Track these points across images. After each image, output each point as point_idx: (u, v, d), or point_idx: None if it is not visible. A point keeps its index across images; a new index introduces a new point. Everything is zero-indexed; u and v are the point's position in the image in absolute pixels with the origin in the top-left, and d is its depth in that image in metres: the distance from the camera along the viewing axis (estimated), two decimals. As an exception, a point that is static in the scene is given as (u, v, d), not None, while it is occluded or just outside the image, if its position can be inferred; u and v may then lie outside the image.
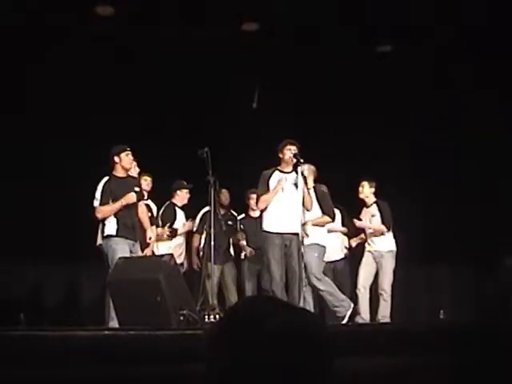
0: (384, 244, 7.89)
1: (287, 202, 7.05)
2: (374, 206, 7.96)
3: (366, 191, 7.96)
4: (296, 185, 7.07)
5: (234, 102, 9.19)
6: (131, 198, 6.84)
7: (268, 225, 7.11)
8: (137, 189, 7.10)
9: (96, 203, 6.79)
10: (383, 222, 7.87)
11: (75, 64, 8.58)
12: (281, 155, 7.19)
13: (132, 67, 8.85)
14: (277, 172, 7.20)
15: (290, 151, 7.10)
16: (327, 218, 7.36)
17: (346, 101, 9.35)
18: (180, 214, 8.40)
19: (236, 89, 9.13)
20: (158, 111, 9.03)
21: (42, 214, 8.55)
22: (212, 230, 7.09)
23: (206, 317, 6.23)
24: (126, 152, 6.93)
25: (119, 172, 6.95)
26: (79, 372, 3.70)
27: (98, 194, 6.79)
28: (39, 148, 8.63)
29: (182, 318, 5.69)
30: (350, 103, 9.39)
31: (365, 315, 7.67)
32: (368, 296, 7.78)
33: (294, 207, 6.98)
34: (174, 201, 8.41)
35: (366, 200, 7.99)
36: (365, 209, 8.04)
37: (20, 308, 7.43)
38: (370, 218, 7.94)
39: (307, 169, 7.26)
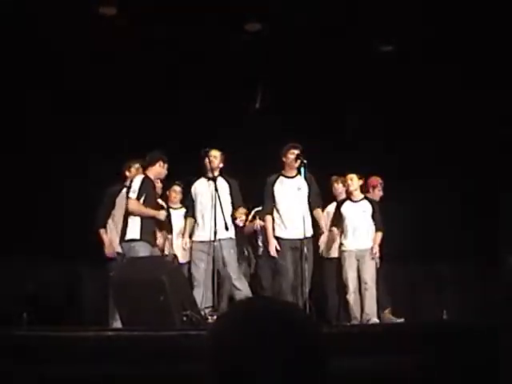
0: (365, 241, 7.67)
1: (290, 207, 7.11)
2: (366, 202, 7.78)
3: (356, 184, 7.77)
4: (299, 189, 7.10)
5: (236, 102, 9.19)
6: (162, 215, 6.95)
7: (276, 230, 7.17)
8: None
9: (134, 195, 6.79)
10: (378, 225, 7.71)
11: (75, 63, 8.60)
12: (284, 159, 7.22)
13: (133, 67, 8.85)
14: (281, 178, 7.24)
15: (293, 154, 7.12)
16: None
17: (348, 100, 9.35)
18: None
19: (239, 89, 9.14)
20: (158, 111, 9.03)
21: (43, 214, 8.56)
22: (214, 228, 7.04)
23: (210, 317, 6.23)
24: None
25: (152, 175, 7.01)
26: (82, 372, 3.71)
27: (136, 187, 6.82)
28: (40, 147, 8.63)
29: (185, 318, 5.70)
30: (352, 103, 9.39)
31: (359, 317, 7.50)
32: (359, 298, 7.60)
33: (298, 212, 7.04)
34: None
35: (355, 193, 7.77)
36: (349, 202, 7.79)
37: (23, 308, 7.42)
38: (359, 214, 7.71)
39: (219, 155, 7.25)
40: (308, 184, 7.17)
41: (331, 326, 6.80)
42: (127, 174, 7.38)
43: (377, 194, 8.17)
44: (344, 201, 7.88)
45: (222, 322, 1.33)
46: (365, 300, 7.51)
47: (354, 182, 7.79)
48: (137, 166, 7.39)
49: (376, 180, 8.21)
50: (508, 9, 8.14)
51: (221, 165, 7.29)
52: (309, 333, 1.29)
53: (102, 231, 7.32)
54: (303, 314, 1.35)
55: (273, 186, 7.20)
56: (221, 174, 7.27)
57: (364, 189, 8.03)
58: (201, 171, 7.34)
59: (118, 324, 6.46)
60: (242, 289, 6.92)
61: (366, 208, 7.74)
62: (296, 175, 7.19)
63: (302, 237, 6.97)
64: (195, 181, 7.34)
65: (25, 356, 3.89)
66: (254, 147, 8.65)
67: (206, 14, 8.40)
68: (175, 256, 7.76)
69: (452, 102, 9.14)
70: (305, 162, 7.06)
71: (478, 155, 9.05)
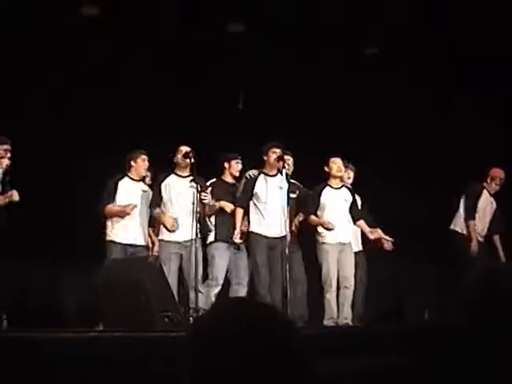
0: (346, 235, 7.32)
1: (272, 206, 7.09)
2: (346, 190, 7.43)
3: (343, 170, 7.41)
4: (281, 188, 7.08)
5: (221, 102, 9.18)
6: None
7: (255, 226, 7.13)
8: None
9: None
10: (359, 214, 7.41)
11: (72, 62, 8.57)
12: (265, 158, 7.18)
13: (122, 68, 8.82)
14: (262, 176, 7.21)
15: (275, 154, 7.10)
16: None
17: (334, 101, 9.35)
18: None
19: (223, 89, 9.13)
20: (148, 110, 8.99)
21: (31, 213, 8.49)
22: (199, 228, 6.99)
23: (191, 318, 6.20)
24: (237, 160, 7.41)
25: (228, 177, 7.42)
26: (62, 374, 3.68)
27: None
28: (30, 147, 8.57)
29: (166, 319, 5.68)
30: (339, 103, 9.39)
31: (336, 316, 7.15)
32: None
33: (278, 210, 7.02)
34: None
35: (338, 180, 7.38)
36: (329, 189, 7.36)
37: (2, 308, 7.34)
38: (341, 202, 7.35)
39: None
40: (289, 183, 7.16)
41: (313, 327, 6.78)
42: (133, 164, 7.22)
43: (493, 187, 7.93)
44: (323, 188, 7.40)
45: (202, 324, 1.33)
46: (344, 301, 7.17)
47: (342, 167, 7.40)
48: (144, 157, 7.27)
49: (499, 172, 7.92)
50: (496, 12, 8.22)
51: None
52: (288, 335, 1.29)
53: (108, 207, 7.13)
54: (283, 315, 1.36)
55: (254, 182, 7.16)
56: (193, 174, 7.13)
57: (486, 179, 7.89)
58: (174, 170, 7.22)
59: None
60: (204, 292, 6.87)
61: (346, 197, 7.39)
62: (277, 174, 7.17)
63: (278, 235, 6.97)
64: (164, 178, 7.14)
65: (4, 358, 3.84)
66: (239, 147, 8.64)
67: (189, 14, 8.39)
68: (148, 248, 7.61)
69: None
70: (287, 164, 7.10)
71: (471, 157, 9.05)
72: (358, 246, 7.73)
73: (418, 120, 9.24)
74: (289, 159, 7.33)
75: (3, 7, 7.83)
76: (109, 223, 7.13)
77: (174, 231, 6.96)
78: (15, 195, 6.74)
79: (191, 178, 7.01)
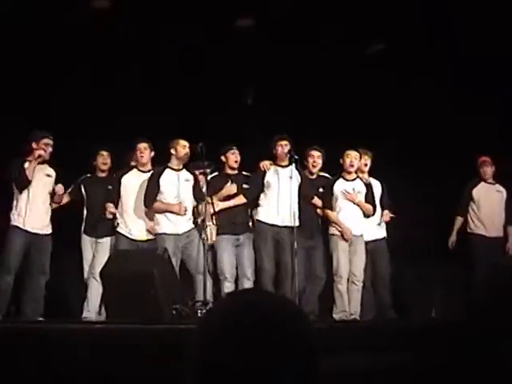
0: (358, 227, 7.21)
1: (282, 195, 7.12)
2: (359, 182, 7.36)
3: (357, 162, 7.36)
4: (291, 178, 7.09)
5: (229, 98, 9.18)
6: None
7: (261, 215, 7.17)
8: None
9: None
10: (371, 203, 7.33)
11: (72, 60, 8.58)
12: (274, 152, 7.28)
13: (125, 64, 8.82)
14: (273, 167, 7.27)
15: (282, 147, 7.17)
16: None
17: (341, 98, 9.34)
18: None
19: (231, 85, 9.13)
20: (153, 107, 9.00)
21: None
22: (206, 222, 7.03)
23: (199, 311, 6.19)
24: (232, 151, 7.39)
25: (226, 170, 7.41)
26: (69, 365, 3.70)
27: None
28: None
29: (174, 312, 5.69)
30: (345, 100, 9.38)
31: (348, 309, 7.12)
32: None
33: (288, 201, 7.03)
34: None
35: (353, 174, 7.34)
36: (342, 180, 7.32)
37: (11, 300, 7.37)
38: (356, 194, 7.27)
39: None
40: (301, 174, 7.19)
41: (322, 321, 6.78)
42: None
43: (485, 173, 7.93)
44: (336, 179, 7.37)
45: (212, 317, 1.31)
46: (351, 296, 7.12)
47: (354, 161, 7.30)
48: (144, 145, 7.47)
49: (483, 157, 7.96)
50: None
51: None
52: (300, 328, 1.27)
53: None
54: (296, 308, 1.33)
55: (264, 175, 7.22)
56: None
57: None
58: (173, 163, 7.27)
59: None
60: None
61: (360, 188, 7.31)
62: (288, 165, 7.17)
63: (287, 225, 6.99)
64: (161, 172, 7.17)
65: (11, 348, 3.87)
66: (245, 143, 8.65)
67: (197, 9, 8.39)
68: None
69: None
70: (296, 157, 7.10)
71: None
72: (382, 233, 7.71)
73: (419, 120, 9.24)
74: (314, 154, 7.41)
75: (3, 7, 7.85)
76: (118, 215, 7.26)
77: (184, 214, 6.98)
78: (61, 189, 7.02)
79: (187, 169, 7.17)
